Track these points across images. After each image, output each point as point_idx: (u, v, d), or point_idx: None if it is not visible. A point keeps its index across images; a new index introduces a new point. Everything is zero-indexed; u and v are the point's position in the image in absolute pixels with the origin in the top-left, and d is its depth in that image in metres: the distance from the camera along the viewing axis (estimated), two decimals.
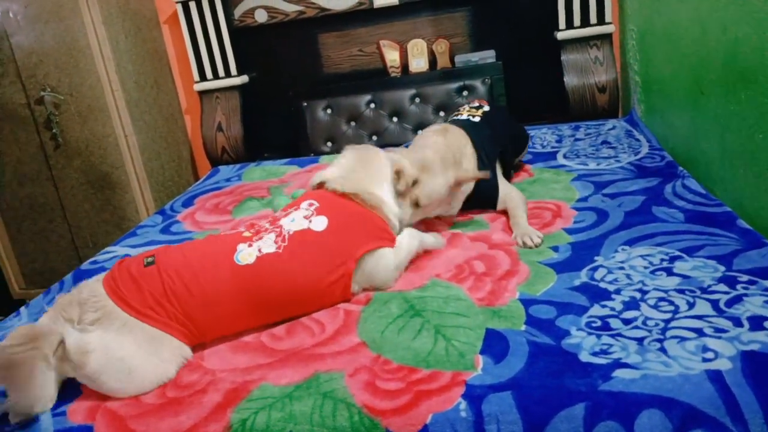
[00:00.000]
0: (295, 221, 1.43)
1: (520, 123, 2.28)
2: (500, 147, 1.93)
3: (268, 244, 1.36)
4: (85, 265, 1.92)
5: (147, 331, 1.21)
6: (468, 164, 1.78)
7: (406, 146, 2.38)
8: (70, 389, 1.22)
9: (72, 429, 1.11)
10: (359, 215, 1.49)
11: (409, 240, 1.54)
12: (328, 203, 1.49)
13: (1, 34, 2.80)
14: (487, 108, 2.09)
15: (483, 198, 1.82)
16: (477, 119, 1.99)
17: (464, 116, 2.02)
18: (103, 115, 2.85)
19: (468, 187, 1.79)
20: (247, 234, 1.41)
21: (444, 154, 1.71)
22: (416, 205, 1.65)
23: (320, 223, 1.42)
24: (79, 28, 2.76)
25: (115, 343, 1.17)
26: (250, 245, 1.36)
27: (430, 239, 1.62)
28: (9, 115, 2.91)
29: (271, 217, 1.52)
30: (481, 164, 1.81)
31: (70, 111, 2.86)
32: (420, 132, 1.98)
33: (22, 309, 1.69)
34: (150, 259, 1.32)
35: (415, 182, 1.64)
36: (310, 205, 1.47)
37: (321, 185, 1.57)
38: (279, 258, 1.34)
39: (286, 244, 1.36)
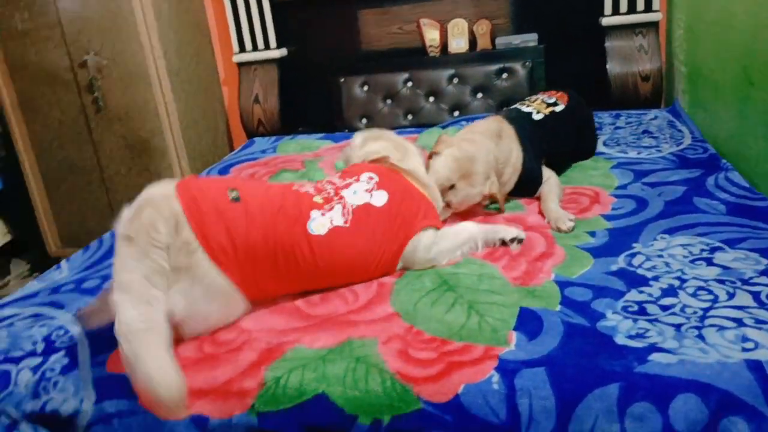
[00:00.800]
0: (357, 194, 1.43)
1: (595, 131, 2.19)
2: (551, 150, 1.86)
3: (337, 217, 1.35)
4: None
5: (226, 287, 1.21)
6: (507, 174, 1.76)
7: (459, 125, 2.37)
8: (109, 340, 1.25)
9: (110, 377, 1.14)
10: (416, 193, 1.51)
11: (460, 229, 1.51)
12: (387, 178, 1.49)
13: None
14: (561, 107, 1.98)
15: (525, 189, 1.80)
16: (539, 117, 1.92)
17: (528, 108, 1.96)
18: (144, 81, 2.89)
19: (507, 187, 1.78)
20: (318, 200, 1.38)
21: (487, 165, 1.68)
22: (447, 205, 1.66)
23: (381, 198, 1.43)
24: None
25: (201, 305, 1.18)
26: (323, 214, 1.35)
27: (506, 231, 1.53)
28: (52, 77, 2.97)
29: (332, 184, 1.48)
30: (528, 162, 1.78)
31: (112, 76, 2.91)
32: (475, 121, 1.93)
33: (63, 262, 1.74)
34: (235, 194, 1.26)
35: (452, 186, 1.65)
36: (370, 178, 1.47)
37: (378, 160, 1.57)
38: (347, 232, 1.34)
39: (351, 217, 1.37)
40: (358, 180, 1.47)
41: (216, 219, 1.21)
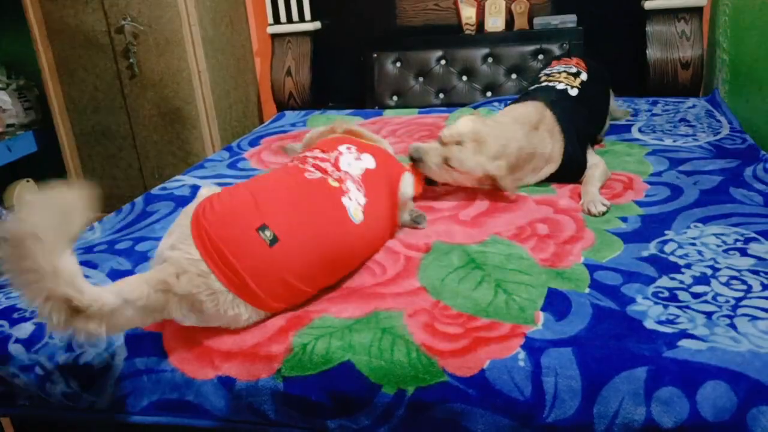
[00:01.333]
0: (351, 165, 1.41)
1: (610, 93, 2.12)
2: (594, 128, 1.81)
3: (356, 194, 1.33)
4: (155, 190, 1.99)
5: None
6: (532, 166, 1.72)
7: (492, 106, 2.34)
8: None
9: (142, 335, 1.17)
10: (379, 148, 1.56)
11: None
12: (357, 144, 1.52)
13: None
14: (584, 76, 1.94)
15: (568, 175, 1.76)
16: (574, 92, 1.88)
17: (562, 85, 1.91)
18: (179, 49, 2.91)
19: (551, 168, 1.75)
20: (334, 183, 1.31)
21: (503, 148, 1.64)
22: (446, 161, 1.63)
23: (370, 161, 1.45)
24: None
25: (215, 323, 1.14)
26: (350, 199, 1.30)
27: None
28: (90, 42, 3.00)
29: (325, 161, 1.40)
30: (569, 147, 1.74)
31: (148, 42, 2.93)
32: (515, 104, 1.89)
33: (96, 224, 1.77)
34: (270, 235, 1.12)
35: (459, 143, 1.63)
36: (348, 148, 1.47)
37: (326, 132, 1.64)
38: (371, 205, 1.34)
39: (363, 188, 1.37)
40: (341, 153, 1.45)
41: (261, 279, 1.11)
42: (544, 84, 1.99)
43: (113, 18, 2.93)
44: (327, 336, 1.09)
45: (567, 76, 1.96)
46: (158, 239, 1.57)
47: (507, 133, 1.68)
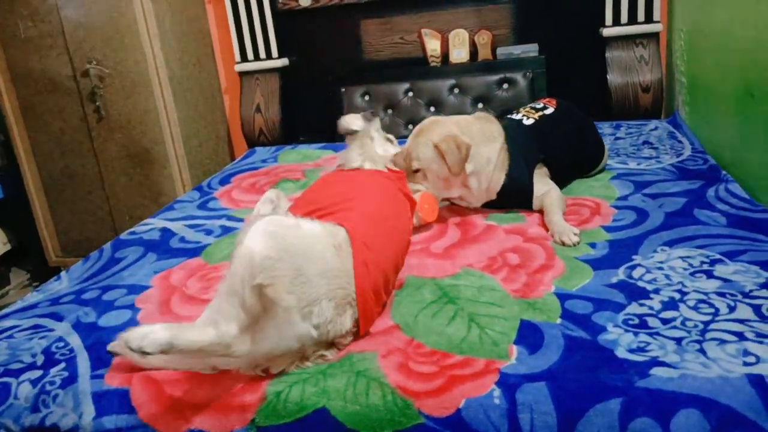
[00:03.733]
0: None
1: (597, 133, 2.11)
2: (545, 154, 1.84)
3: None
4: (124, 235, 1.96)
5: None
6: (478, 162, 1.75)
7: None
8: (108, 355, 1.25)
9: (108, 392, 1.13)
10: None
11: None
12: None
13: (51, 7, 2.85)
14: (550, 110, 1.97)
15: (515, 198, 1.80)
16: (530, 121, 1.92)
17: (518, 116, 1.96)
18: (146, 90, 2.90)
19: (495, 184, 1.79)
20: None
21: (447, 125, 1.75)
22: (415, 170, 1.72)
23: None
24: (126, 3, 2.80)
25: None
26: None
27: None
28: (55, 86, 2.97)
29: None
30: (513, 168, 1.78)
31: (115, 85, 2.91)
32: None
33: (63, 273, 1.74)
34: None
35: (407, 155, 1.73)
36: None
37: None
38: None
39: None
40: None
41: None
42: (505, 117, 2.03)
43: (78, 62, 2.91)
44: (301, 382, 1.07)
45: (529, 110, 2.00)
46: (127, 287, 1.56)
47: (445, 120, 1.80)
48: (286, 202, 1.53)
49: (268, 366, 1.11)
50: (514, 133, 1.84)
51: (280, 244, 1.07)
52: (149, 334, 0.96)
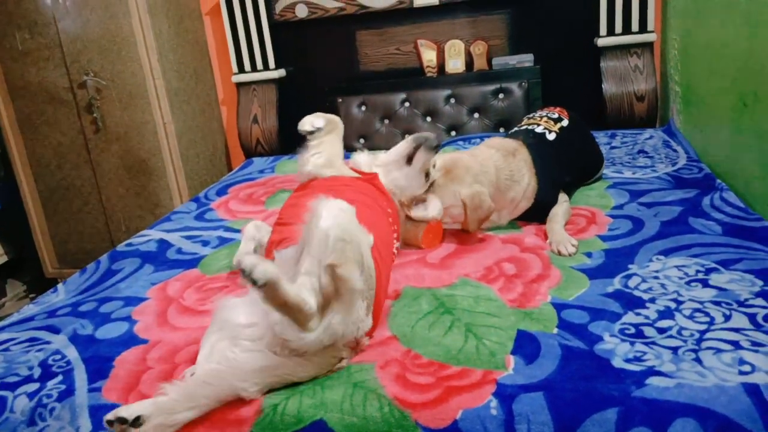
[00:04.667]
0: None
1: (596, 143, 2.13)
2: (570, 176, 1.83)
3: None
4: (121, 247, 1.96)
5: None
6: (511, 197, 1.73)
7: (456, 145, 2.36)
8: (106, 367, 1.25)
9: (106, 406, 1.13)
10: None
11: None
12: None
13: (49, 19, 2.87)
14: (566, 122, 1.95)
15: (534, 216, 1.78)
16: (552, 136, 1.88)
17: (540, 129, 1.91)
18: (143, 102, 2.91)
19: (518, 211, 1.77)
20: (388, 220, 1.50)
21: (476, 172, 1.68)
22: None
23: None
24: (123, 16, 2.81)
25: None
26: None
27: None
28: (52, 98, 2.98)
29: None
30: (542, 193, 1.75)
31: (112, 97, 2.92)
32: (489, 139, 1.92)
33: (60, 285, 1.73)
34: None
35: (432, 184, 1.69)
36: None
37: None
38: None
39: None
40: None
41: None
42: (523, 127, 1.98)
43: (75, 74, 2.92)
44: (298, 394, 1.07)
45: (547, 121, 1.96)
46: (123, 299, 1.56)
47: (481, 158, 1.72)
48: (268, 231, 1.54)
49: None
50: (539, 154, 1.79)
51: (350, 231, 1.09)
52: (260, 264, 0.99)
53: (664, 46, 2.84)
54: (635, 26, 2.75)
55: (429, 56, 3.03)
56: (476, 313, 1.30)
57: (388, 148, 2.85)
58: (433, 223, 1.68)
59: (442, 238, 1.73)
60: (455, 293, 1.40)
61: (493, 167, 1.71)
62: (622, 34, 2.76)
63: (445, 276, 1.50)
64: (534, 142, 1.85)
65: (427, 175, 1.66)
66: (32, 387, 1.20)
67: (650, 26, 2.74)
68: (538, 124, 1.95)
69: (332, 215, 1.08)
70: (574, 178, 1.89)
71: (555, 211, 1.72)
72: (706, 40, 2.29)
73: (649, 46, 2.78)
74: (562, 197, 1.80)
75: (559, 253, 1.56)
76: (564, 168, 1.83)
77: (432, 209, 1.65)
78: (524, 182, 1.74)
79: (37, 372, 1.25)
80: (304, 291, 1.04)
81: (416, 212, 1.67)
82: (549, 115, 2.01)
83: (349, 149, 3.02)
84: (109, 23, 2.83)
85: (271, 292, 1.00)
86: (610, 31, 2.77)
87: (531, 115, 2.08)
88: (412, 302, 1.37)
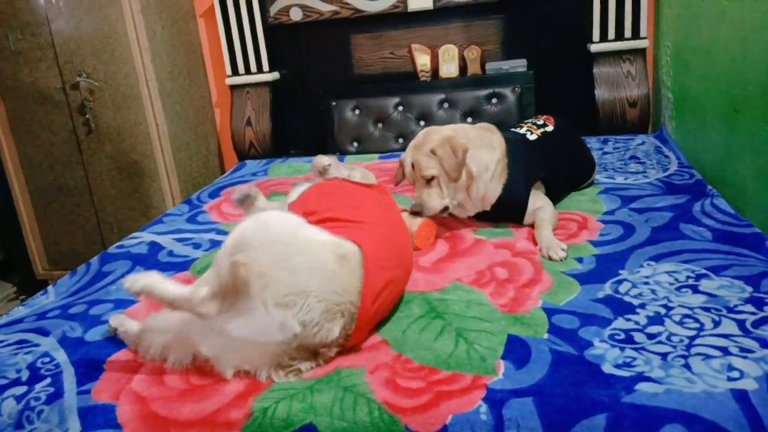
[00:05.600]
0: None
1: (587, 149, 2.15)
2: (546, 173, 1.86)
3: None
4: (112, 249, 1.95)
5: None
6: (478, 165, 1.76)
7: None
8: (95, 370, 1.24)
9: (95, 407, 1.13)
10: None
11: None
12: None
13: (42, 20, 2.86)
14: (551, 128, 1.99)
15: (508, 212, 1.81)
16: (533, 137, 1.93)
17: (522, 130, 1.97)
18: (136, 103, 2.90)
19: (491, 195, 1.79)
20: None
21: (455, 128, 1.80)
22: (427, 180, 1.72)
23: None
24: (117, 17, 2.81)
25: None
26: None
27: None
28: (44, 98, 2.97)
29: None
30: (512, 181, 1.78)
31: (104, 98, 2.91)
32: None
33: (50, 287, 1.72)
34: None
35: (413, 165, 1.74)
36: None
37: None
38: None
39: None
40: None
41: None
42: (509, 130, 2.03)
43: (68, 75, 2.91)
44: (288, 398, 1.07)
45: (531, 125, 2.00)
46: (114, 301, 1.55)
47: (442, 126, 1.83)
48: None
49: (245, 366, 1.14)
50: (515, 147, 1.84)
51: (267, 234, 1.14)
52: (138, 278, 1.16)
53: (657, 53, 2.86)
54: (628, 32, 2.76)
55: (423, 60, 3.03)
56: (467, 317, 1.30)
57: (381, 152, 2.88)
58: (425, 220, 1.71)
59: (437, 236, 1.74)
60: (447, 297, 1.40)
61: (462, 129, 1.81)
62: (615, 40, 2.78)
63: (438, 280, 1.50)
64: (513, 138, 1.90)
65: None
66: (20, 390, 1.19)
67: (643, 33, 2.76)
68: (521, 127, 2.01)
69: (254, 219, 1.19)
70: (555, 179, 1.90)
71: (542, 216, 1.73)
72: (697, 46, 2.31)
73: (641, 52, 2.79)
74: (542, 200, 1.81)
75: (550, 258, 1.57)
76: (539, 166, 1.86)
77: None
78: (495, 154, 1.79)
79: (25, 375, 1.25)
80: (180, 288, 1.16)
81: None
82: (534, 121, 2.05)
83: (342, 153, 3.04)
84: (103, 24, 2.82)
85: (150, 294, 1.15)
86: (603, 38, 2.79)
87: (519, 123, 2.11)
88: (404, 306, 1.37)
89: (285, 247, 1.14)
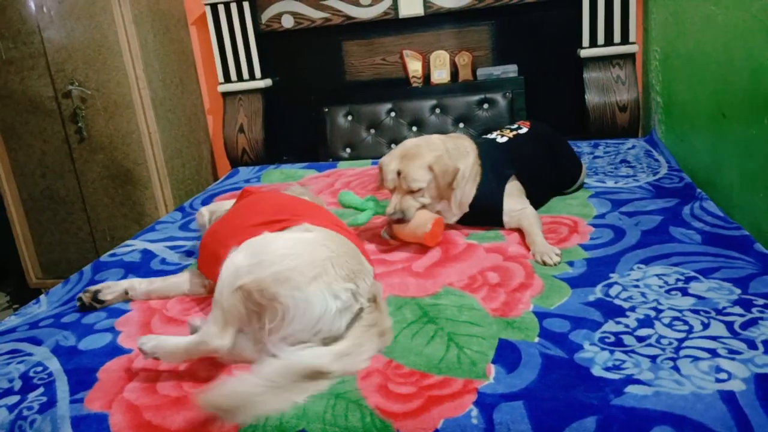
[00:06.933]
0: None
1: (572, 152, 2.15)
2: (515, 170, 1.87)
3: None
4: (105, 257, 1.95)
5: None
6: (461, 181, 1.81)
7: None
8: (89, 378, 1.24)
9: (88, 416, 1.13)
10: None
11: None
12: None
13: (33, 29, 2.86)
14: (524, 130, 2.03)
15: (486, 215, 1.83)
16: (503, 139, 1.97)
17: (492, 135, 2.02)
18: (128, 111, 2.90)
19: (466, 197, 1.82)
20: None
21: (431, 140, 1.83)
22: (410, 191, 1.74)
23: None
24: (109, 25, 2.81)
25: None
26: None
27: None
28: (36, 107, 2.97)
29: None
30: (485, 182, 1.82)
31: (96, 106, 2.91)
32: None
33: (42, 296, 1.72)
34: None
35: (399, 172, 1.74)
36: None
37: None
38: None
39: None
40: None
41: None
42: (479, 136, 2.09)
43: (60, 83, 2.91)
44: None
45: (504, 130, 2.04)
46: (107, 310, 1.56)
47: (424, 138, 1.86)
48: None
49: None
50: (486, 150, 1.89)
51: (256, 257, 1.22)
52: (146, 341, 1.20)
53: (646, 58, 2.89)
54: (617, 38, 2.79)
55: (415, 66, 3.05)
56: (459, 322, 1.31)
57: (374, 158, 2.89)
58: (437, 218, 1.74)
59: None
60: (439, 302, 1.41)
61: (438, 140, 1.84)
62: (605, 45, 2.80)
63: (430, 285, 1.51)
64: (483, 142, 1.95)
65: None
66: (12, 399, 1.19)
67: (632, 38, 2.78)
68: (493, 133, 2.05)
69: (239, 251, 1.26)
70: (528, 178, 1.91)
71: (529, 221, 1.75)
72: (685, 51, 2.33)
73: (630, 57, 2.82)
74: (522, 203, 1.83)
75: (544, 263, 1.58)
76: (507, 163, 1.89)
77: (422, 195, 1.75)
78: (470, 159, 1.84)
79: (17, 384, 1.24)
80: (186, 338, 1.21)
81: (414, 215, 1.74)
82: (509, 126, 2.10)
83: (335, 159, 3.05)
84: (94, 32, 2.83)
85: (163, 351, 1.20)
86: (593, 43, 2.81)
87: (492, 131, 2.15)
88: (396, 312, 1.38)
89: (284, 253, 1.22)
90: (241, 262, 1.20)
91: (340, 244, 1.32)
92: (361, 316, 1.25)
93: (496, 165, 1.86)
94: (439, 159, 1.74)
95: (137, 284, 1.61)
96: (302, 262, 1.20)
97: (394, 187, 1.77)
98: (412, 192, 1.74)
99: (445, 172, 1.74)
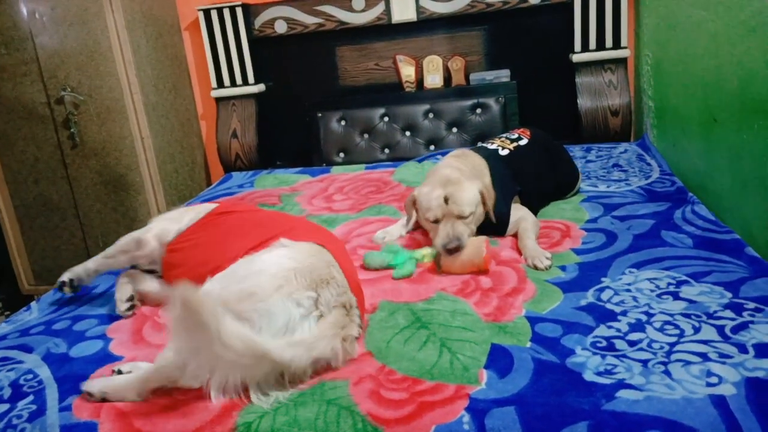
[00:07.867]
0: None
1: (570, 159, 2.15)
2: (521, 186, 1.87)
3: None
4: None
5: None
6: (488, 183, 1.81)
7: (435, 159, 2.39)
8: (79, 386, 1.23)
9: (77, 425, 1.12)
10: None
11: None
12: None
13: (26, 35, 2.85)
14: (524, 141, 2.01)
15: (493, 227, 1.80)
16: (505, 152, 1.96)
17: (494, 146, 2.00)
18: (120, 117, 2.90)
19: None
20: None
21: (477, 170, 1.81)
22: (460, 217, 1.66)
23: None
24: (101, 31, 2.81)
25: None
26: None
27: None
28: (29, 113, 2.96)
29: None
30: (497, 200, 1.78)
31: (89, 112, 2.91)
32: (447, 155, 1.96)
33: (33, 303, 1.71)
34: None
35: (446, 198, 1.67)
36: None
37: None
38: None
39: None
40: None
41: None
42: (479, 145, 2.07)
43: (52, 89, 2.90)
44: (271, 412, 1.07)
45: (504, 140, 2.03)
46: (98, 316, 1.55)
47: (458, 167, 1.81)
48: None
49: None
50: (493, 165, 1.87)
51: (225, 281, 1.26)
52: (93, 384, 1.19)
53: (638, 62, 2.90)
54: (609, 42, 2.80)
55: (408, 71, 3.06)
56: (452, 327, 1.31)
57: (368, 162, 2.89)
58: (486, 244, 1.63)
59: None
60: (432, 308, 1.41)
61: (458, 163, 1.82)
62: (597, 50, 2.82)
63: (423, 290, 1.51)
64: (489, 156, 1.93)
65: None
66: (2, 408, 1.18)
67: (623, 42, 2.80)
68: (493, 143, 2.03)
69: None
70: (530, 192, 1.91)
71: (524, 226, 1.75)
72: (676, 56, 2.35)
73: (622, 61, 2.83)
74: (521, 211, 1.82)
75: (536, 268, 1.58)
76: (513, 180, 1.88)
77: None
78: (487, 179, 1.83)
79: (7, 392, 1.24)
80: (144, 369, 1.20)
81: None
82: (508, 135, 2.08)
83: (329, 163, 3.05)
84: (87, 38, 2.82)
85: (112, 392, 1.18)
86: (585, 47, 2.83)
87: (492, 139, 2.12)
88: (389, 317, 1.38)
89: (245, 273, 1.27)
90: (214, 291, 1.22)
91: (309, 256, 1.31)
92: (327, 319, 1.24)
93: (503, 181, 1.84)
94: (484, 186, 1.74)
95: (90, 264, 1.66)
96: (265, 276, 1.22)
97: (439, 217, 1.69)
98: (461, 218, 1.68)
99: (491, 195, 1.74)
